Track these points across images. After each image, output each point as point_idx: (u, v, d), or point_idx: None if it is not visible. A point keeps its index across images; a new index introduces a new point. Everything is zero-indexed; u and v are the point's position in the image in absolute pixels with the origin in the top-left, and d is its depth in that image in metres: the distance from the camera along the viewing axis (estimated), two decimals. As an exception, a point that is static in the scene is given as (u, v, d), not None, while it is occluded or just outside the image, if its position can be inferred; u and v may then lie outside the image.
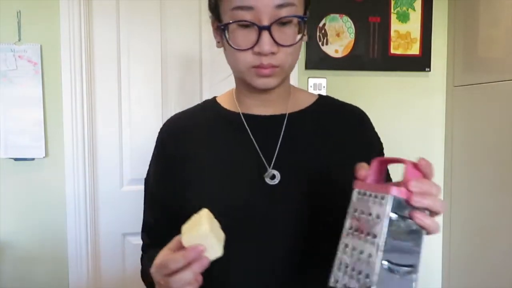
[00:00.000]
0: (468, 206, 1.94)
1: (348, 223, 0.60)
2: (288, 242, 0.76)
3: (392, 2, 1.99)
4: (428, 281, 2.07)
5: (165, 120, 0.90)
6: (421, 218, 0.54)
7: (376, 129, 0.91)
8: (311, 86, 1.94)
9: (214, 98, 0.91)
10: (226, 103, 0.87)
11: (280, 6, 0.70)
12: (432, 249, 2.10)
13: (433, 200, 0.54)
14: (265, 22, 0.70)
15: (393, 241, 0.53)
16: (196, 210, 0.78)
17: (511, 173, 1.67)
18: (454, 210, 2.05)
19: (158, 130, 0.90)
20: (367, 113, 0.91)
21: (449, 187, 2.08)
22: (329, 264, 0.81)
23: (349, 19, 1.97)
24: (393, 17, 2.00)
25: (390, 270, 0.52)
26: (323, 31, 1.94)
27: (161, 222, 0.86)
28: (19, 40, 1.67)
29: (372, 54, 1.99)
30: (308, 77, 1.95)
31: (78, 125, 1.74)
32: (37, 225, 1.74)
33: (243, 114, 0.84)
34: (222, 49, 0.81)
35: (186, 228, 0.61)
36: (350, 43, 1.97)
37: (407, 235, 0.54)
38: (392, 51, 2.01)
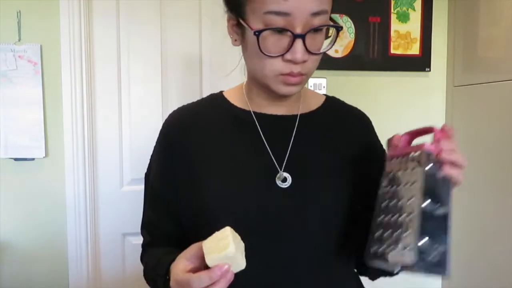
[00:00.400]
0: (468, 206, 1.94)
1: (383, 191, 0.70)
2: (300, 245, 0.76)
3: (392, 2, 1.99)
4: (428, 281, 2.07)
5: (165, 119, 0.87)
6: (450, 168, 0.63)
7: (376, 129, 0.92)
8: (311, 86, 1.94)
9: (221, 93, 0.88)
10: (235, 100, 0.84)
11: (316, 13, 0.68)
12: (432, 249, 2.10)
13: (458, 156, 0.64)
14: (299, 29, 0.68)
15: (428, 190, 0.61)
16: (204, 211, 0.77)
17: (511, 173, 1.67)
18: (453, 210, 2.05)
19: (158, 130, 0.86)
20: (367, 113, 0.92)
21: (449, 187, 2.08)
22: (342, 264, 0.81)
23: (349, 19, 1.96)
24: (393, 17, 2.00)
25: (428, 216, 0.60)
26: (323, 31, 1.94)
27: (163, 219, 0.84)
28: (19, 40, 1.67)
29: (372, 54, 1.99)
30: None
31: (78, 125, 1.74)
32: (37, 225, 1.74)
33: (254, 112, 0.82)
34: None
35: (209, 247, 0.60)
36: (350, 43, 1.97)
37: (439, 187, 0.63)
38: (392, 51, 2.01)
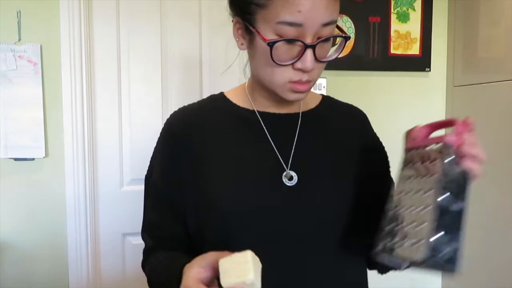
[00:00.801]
0: (468, 206, 1.94)
1: (399, 186, 0.68)
2: (307, 244, 0.76)
3: (392, 2, 1.99)
4: (428, 281, 2.07)
5: (165, 120, 0.87)
6: (471, 162, 0.62)
7: (376, 129, 0.93)
8: (311, 86, 1.94)
9: (222, 93, 0.88)
10: (238, 100, 0.85)
11: (326, 24, 0.69)
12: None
13: (479, 149, 0.63)
14: (309, 39, 0.69)
15: (447, 183, 0.60)
16: (210, 210, 0.77)
17: (511, 173, 1.67)
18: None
19: (158, 129, 0.85)
20: (367, 113, 0.93)
21: (449, 187, 2.08)
22: (349, 263, 0.81)
23: (349, 19, 1.96)
24: (393, 17, 2.00)
25: (444, 210, 0.58)
26: (323, 31, 1.94)
27: (168, 220, 0.83)
28: (19, 40, 1.67)
29: (372, 54, 1.99)
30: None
31: (78, 125, 1.74)
32: (37, 225, 1.74)
33: (258, 111, 0.83)
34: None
35: (226, 268, 0.59)
36: (350, 43, 1.97)
37: (458, 180, 0.61)
38: (392, 51, 2.01)
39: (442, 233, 0.57)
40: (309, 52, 0.69)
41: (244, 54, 0.82)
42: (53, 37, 1.70)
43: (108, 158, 1.84)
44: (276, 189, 0.77)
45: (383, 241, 0.65)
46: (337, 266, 0.79)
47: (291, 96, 0.75)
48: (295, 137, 0.81)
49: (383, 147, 0.92)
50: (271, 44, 0.69)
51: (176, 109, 0.88)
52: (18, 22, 1.67)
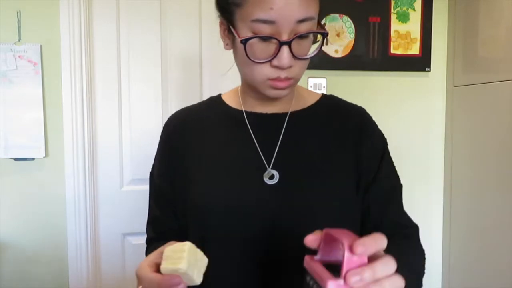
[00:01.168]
0: (468, 206, 1.94)
1: None
2: (286, 242, 0.76)
3: (392, 2, 1.99)
4: (428, 281, 2.07)
5: (165, 120, 0.91)
6: None
7: (376, 130, 0.92)
8: (311, 86, 1.94)
9: (219, 95, 0.91)
10: (231, 101, 0.87)
11: (301, 21, 0.69)
12: (432, 249, 2.10)
13: (379, 286, 0.47)
14: (285, 36, 0.69)
15: None
16: (196, 208, 0.79)
17: (511, 173, 1.67)
18: (454, 210, 2.05)
19: (158, 130, 0.90)
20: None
21: (449, 187, 2.08)
22: None
23: (349, 19, 1.96)
24: (393, 17, 2.00)
25: None
26: (323, 31, 1.94)
27: (168, 216, 0.87)
28: (19, 40, 1.67)
29: (372, 54, 1.99)
30: (308, 77, 1.95)
31: (78, 125, 1.74)
32: (37, 225, 1.74)
33: (246, 112, 0.84)
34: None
35: (167, 255, 0.60)
36: (350, 43, 1.97)
37: None
38: (392, 51, 2.01)
39: None
40: (285, 49, 0.70)
41: None
42: (53, 37, 1.71)
43: (108, 158, 1.84)
44: (256, 188, 0.77)
45: None
46: None
47: (272, 93, 0.76)
48: (280, 137, 0.81)
49: (385, 145, 0.89)
50: (244, 42, 0.70)
51: (176, 109, 0.92)
52: (18, 22, 1.67)
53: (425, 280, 0.81)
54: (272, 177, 0.78)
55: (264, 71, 0.73)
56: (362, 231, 0.83)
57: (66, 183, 1.74)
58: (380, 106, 2.02)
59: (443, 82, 2.10)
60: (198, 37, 1.87)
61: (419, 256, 0.82)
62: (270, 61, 0.71)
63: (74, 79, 1.72)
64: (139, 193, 1.77)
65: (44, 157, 1.72)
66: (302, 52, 0.73)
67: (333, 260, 0.55)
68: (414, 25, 2.02)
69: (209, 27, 1.84)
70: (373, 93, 2.02)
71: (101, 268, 1.86)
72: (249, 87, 0.83)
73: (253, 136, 0.81)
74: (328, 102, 0.89)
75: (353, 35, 1.97)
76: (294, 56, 0.71)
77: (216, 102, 0.89)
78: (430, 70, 2.05)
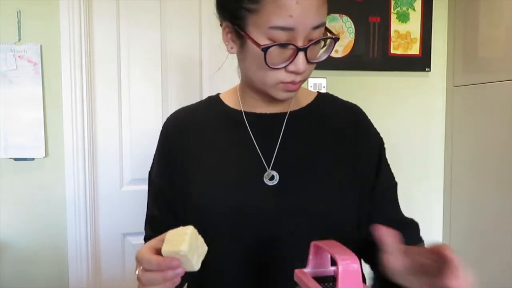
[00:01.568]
0: (468, 206, 1.94)
1: None
2: (285, 243, 0.76)
3: (392, 2, 1.99)
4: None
5: (165, 120, 0.90)
6: None
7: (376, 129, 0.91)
8: (311, 86, 1.94)
9: (218, 95, 0.91)
10: (230, 101, 0.87)
11: (316, 27, 0.71)
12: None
13: None
14: (301, 42, 0.70)
15: None
16: (196, 208, 0.79)
17: (511, 173, 1.67)
18: (454, 211, 2.05)
19: (158, 130, 0.90)
20: (367, 113, 0.91)
21: (449, 187, 2.08)
22: None
23: (349, 19, 1.96)
24: (393, 17, 2.00)
25: None
26: (323, 31, 1.94)
27: (166, 215, 0.87)
28: (19, 40, 1.67)
29: (372, 54, 1.99)
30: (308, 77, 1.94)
31: (78, 125, 1.74)
32: (37, 225, 1.74)
33: (245, 112, 0.84)
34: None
35: (168, 238, 0.61)
36: (350, 43, 1.97)
37: None
38: (392, 51, 2.01)
39: None
40: (301, 55, 0.71)
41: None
42: (53, 37, 1.70)
43: (108, 158, 1.84)
44: (256, 189, 0.77)
45: None
46: None
47: (283, 95, 0.77)
48: (279, 137, 0.81)
49: (381, 143, 0.89)
50: (265, 50, 0.70)
51: (176, 108, 0.91)
52: (18, 22, 1.67)
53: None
54: (272, 178, 0.78)
55: (278, 76, 0.74)
56: (360, 230, 0.84)
57: (66, 183, 1.74)
58: (380, 106, 2.02)
59: (443, 82, 2.10)
60: (198, 37, 1.87)
61: None
62: (286, 66, 0.72)
63: (74, 79, 1.72)
64: (139, 193, 1.76)
65: (44, 157, 1.72)
66: (314, 56, 0.74)
67: (322, 272, 0.56)
68: (414, 25, 2.02)
69: (209, 27, 1.84)
70: (373, 93, 2.02)
71: (101, 268, 1.86)
72: (249, 87, 0.83)
73: (252, 137, 0.81)
74: (324, 101, 0.89)
75: (353, 35, 1.97)
76: (307, 61, 0.72)
77: (215, 101, 0.89)
78: (430, 70, 2.05)
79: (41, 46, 1.69)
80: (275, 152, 0.80)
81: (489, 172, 1.80)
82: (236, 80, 0.91)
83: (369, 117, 0.91)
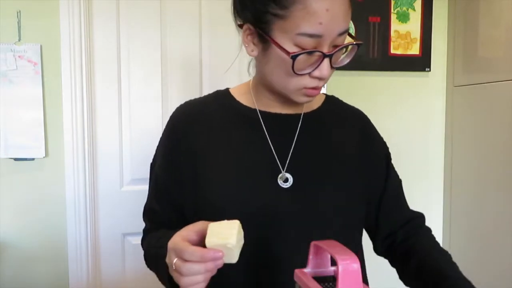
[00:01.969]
0: (468, 206, 1.94)
1: None
2: (297, 245, 0.75)
3: (392, 2, 1.99)
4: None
5: (165, 120, 0.89)
6: None
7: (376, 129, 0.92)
8: (311, 86, 1.94)
9: (227, 89, 0.88)
10: (242, 98, 0.85)
11: (341, 33, 0.71)
12: (432, 249, 2.10)
13: None
14: (327, 48, 0.70)
15: None
16: (209, 206, 0.78)
17: (511, 173, 1.67)
18: (454, 210, 2.05)
19: (158, 130, 0.88)
20: (367, 113, 0.93)
21: (449, 187, 2.08)
22: None
23: (349, 19, 1.96)
24: (393, 17, 2.00)
25: None
26: (323, 31, 1.94)
27: (166, 209, 0.85)
28: (19, 40, 1.67)
29: (372, 54, 1.99)
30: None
31: (78, 125, 1.74)
32: (37, 225, 1.74)
33: (260, 111, 0.83)
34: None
35: (213, 230, 0.62)
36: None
37: None
38: (392, 51, 2.01)
39: None
40: (326, 61, 0.71)
41: (243, 55, 0.82)
42: (53, 37, 1.70)
43: (108, 158, 1.83)
44: (271, 191, 0.77)
45: None
46: None
47: (304, 99, 0.77)
48: (294, 138, 0.81)
49: (387, 151, 0.91)
50: (294, 57, 0.69)
51: (183, 102, 0.89)
52: (18, 22, 1.67)
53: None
54: (286, 180, 0.78)
55: (302, 81, 0.73)
56: (369, 229, 0.86)
57: (66, 183, 1.74)
58: (380, 106, 2.02)
59: (443, 82, 2.10)
60: (198, 37, 1.87)
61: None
62: (311, 72, 0.72)
63: (74, 79, 1.72)
64: (139, 193, 1.76)
65: (44, 157, 1.72)
66: (337, 61, 0.75)
67: (322, 272, 0.57)
68: (414, 25, 2.02)
69: (209, 28, 1.84)
70: (373, 93, 2.02)
71: (101, 268, 1.86)
72: (263, 86, 0.82)
73: (267, 137, 0.80)
74: (332, 104, 0.90)
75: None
76: (331, 66, 0.72)
77: (225, 97, 0.86)
78: (430, 70, 2.05)
79: (41, 46, 1.69)
80: (290, 154, 0.79)
81: (489, 172, 1.80)
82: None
83: (369, 117, 0.93)
